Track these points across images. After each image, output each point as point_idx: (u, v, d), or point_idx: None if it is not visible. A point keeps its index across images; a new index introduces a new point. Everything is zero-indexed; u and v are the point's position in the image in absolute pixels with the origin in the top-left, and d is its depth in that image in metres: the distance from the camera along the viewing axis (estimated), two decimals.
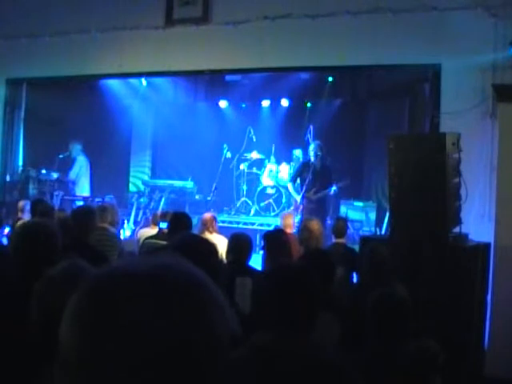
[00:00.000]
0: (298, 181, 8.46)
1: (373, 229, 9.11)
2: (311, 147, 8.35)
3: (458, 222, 4.73)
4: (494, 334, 5.11)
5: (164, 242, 4.80)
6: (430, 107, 6.64)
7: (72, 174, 9.64)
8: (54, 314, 1.00)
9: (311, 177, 8.11)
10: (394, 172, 4.75)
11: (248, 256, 4.41)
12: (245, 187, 10.77)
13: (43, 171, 9.21)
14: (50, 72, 8.53)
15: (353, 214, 9.30)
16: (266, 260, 4.84)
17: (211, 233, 5.87)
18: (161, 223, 5.56)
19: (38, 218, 5.36)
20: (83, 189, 9.72)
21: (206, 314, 0.77)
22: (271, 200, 10.36)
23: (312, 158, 8.21)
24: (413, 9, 6.53)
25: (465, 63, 6.19)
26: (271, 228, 8.12)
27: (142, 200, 10.55)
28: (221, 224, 7.93)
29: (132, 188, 11.70)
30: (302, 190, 8.23)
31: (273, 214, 10.15)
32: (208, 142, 10.97)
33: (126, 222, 9.62)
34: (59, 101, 8.83)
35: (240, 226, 9.50)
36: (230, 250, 4.48)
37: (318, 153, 8.16)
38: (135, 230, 8.61)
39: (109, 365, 0.72)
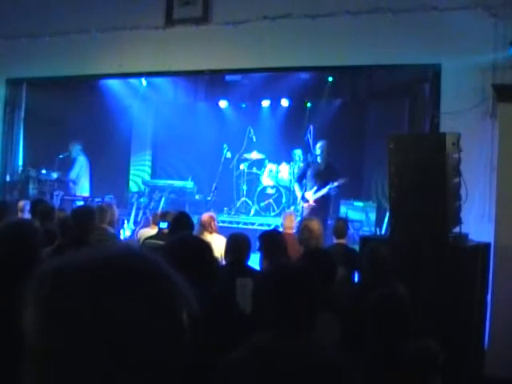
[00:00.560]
0: (304, 181, 8.47)
1: (373, 229, 9.10)
2: (318, 145, 8.35)
3: (458, 222, 4.72)
4: (494, 334, 5.11)
5: (164, 243, 4.79)
6: (429, 107, 6.64)
7: (72, 174, 9.65)
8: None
9: (315, 176, 8.12)
10: (394, 172, 4.75)
11: (247, 256, 4.39)
12: (245, 187, 10.78)
13: (43, 171, 9.22)
14: (49, 72, 8.53)
15: (353, 214, 9.31)
16: (262, 261, 4.83)
17: (211, 233, 5.85)
18: (161, 223, 5.56)
19: (34, 218, 5.38)
20: (83, 189, 9.73)
21: (166, 298, 0.81)
22: (271, 200, 10.37)
23: (318, 158, 8.23)
24: (413, 9, 6.54)
25: (465, 63, 6.19)
26: (271, 228, 8.12)
27: (141, 200, 10.55)
28: (221, 224, 7.93)
29: (133, 187, 11.70)
30: (306, 189, 8.27)
31: (273, 214, 10.16)
32: (208, 142, 10.98)
33: (125, 221, 9.62)
34: (59, 101, 8.83)
35: (240, 226, 9.50)
36: (229, 250, 4.46)
37: (325, 152, 8.18)
38: (135, 230, 8.60)
39: (71, 351, 0.75)
